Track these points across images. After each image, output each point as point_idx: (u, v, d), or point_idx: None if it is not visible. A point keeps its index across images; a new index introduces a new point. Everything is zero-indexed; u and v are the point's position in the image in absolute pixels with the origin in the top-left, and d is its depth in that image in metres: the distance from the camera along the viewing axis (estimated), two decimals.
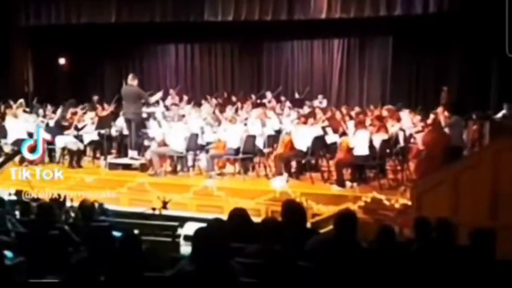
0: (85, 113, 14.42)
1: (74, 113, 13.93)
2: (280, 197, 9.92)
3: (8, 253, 5.10)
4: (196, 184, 11.05)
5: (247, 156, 11.52)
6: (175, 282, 3.98)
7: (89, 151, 13.52)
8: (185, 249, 6.78)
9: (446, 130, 10.51)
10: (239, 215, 5.37)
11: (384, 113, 13.33)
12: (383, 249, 4.92)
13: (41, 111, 14.74)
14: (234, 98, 18.06)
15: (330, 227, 7.09)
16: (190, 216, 9.15)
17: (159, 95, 13.39)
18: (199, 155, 12.24)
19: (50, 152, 13.21)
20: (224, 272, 3.98)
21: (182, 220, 8.25)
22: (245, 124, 12.57)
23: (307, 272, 4.42)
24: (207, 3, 15.65)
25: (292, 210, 5.64)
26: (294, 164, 11.57)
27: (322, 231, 6.98)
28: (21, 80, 19.11)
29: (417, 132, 11.57)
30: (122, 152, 13.41)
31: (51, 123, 13.37)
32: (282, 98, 18.11)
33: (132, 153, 12.48)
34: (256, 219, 5.80)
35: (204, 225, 6.55)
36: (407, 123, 12.59)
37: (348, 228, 4.88)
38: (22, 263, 5.12)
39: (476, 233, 4.86)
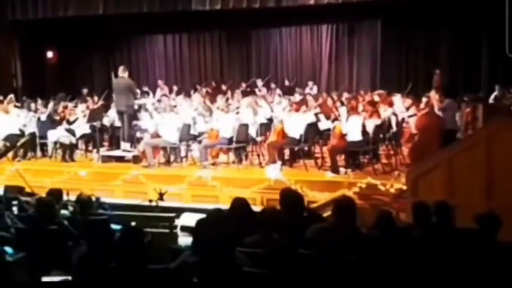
0: (75, 106, 14.37)
1: (65, 107, 13.86)
2: (275, 185, 9.92)
3: (8, 249, 5.09)
4: (190, 175, 11.01)
5: (240, 145, 11.51)
6: (180, 273, 3.99)
7: (81, 144, 13.45)
8: (183, 240, 6.78)
9: (440, 113, 10.53)
10: (241, 205, 5.37)
11: (376, 98, 13.35)
12: (383, 235, 4.93)
13: (32, 105, 14.64)
14: (223, 87, 18.03)
15: (327, 213, 7.17)
16: (186, 207, 9.16)
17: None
18: (191, 145, 12.21)
19: (42, 147, 13.17)
20: (228, 262, 3.98)
21: (179, 211, 8.25)
22: (237, 113, 12.55)
23: (309, 260, 4.43)
24: None
25: (291, 198, 5.66)
26: (287, 151, 11.57)
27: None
28: (9, 75, 18.95)
29: (410, 116, 11.58)
30: (114, 145, 13.37)
31: (43, 117, 13.29)
32: (272, 86, 18.11)
33: (125, 145, 12.43)
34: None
35: (201, 215, 6.59)
36: (400, 108, 12.61)
37: (347, 215, 4.90)
38: (22, 258, 5.11)
39: (482, 216, 4.87)
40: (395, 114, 11.80)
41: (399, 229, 5.22)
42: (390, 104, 12.54)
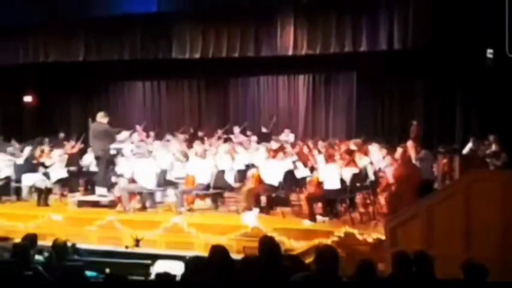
0: (51, 150, 14.23)
1: (43, 151, 13.75)
2: (252, 232, 9.88)
3: None
4: (165, 220, 10.88)
5: (217, 191, 11.47)
6: None
7: (55, 189, 13.27)
8: None
9: (417, 163, 10.64)
10: (220, 252, 5.30)
11: (352, 146, 13.44)
12: (364, 284, 4.90)
13: (9, 149, 14.45)
14: (200, 133, 18.06)
15: (307, 261, 7.13)
16: (161, 254, 9.07)
17: (126, 134, 13.32)
18: (166, 190, 12.12)
19: (17, 191, 12.99)
20: None
21: (154, 258, 8.17)
22: (215, 157, 12.54)
23: None
24: (175, 41, 15.62)
25: (271, 247, 5.60)
26: (263, 198, 11.53)
27: None
28: None
29: (387, 166, 11.66)
30: (89, 189, 13.23)
31: (20, 161, 13.14)
32: (248, 133, 18.17)
33: (100, 190, 12.30)
34: None
35: (176, 262, 6.52)
36: (377, 157, 12.70)
37: (330, 264, 4.86)
38: None
39: (468, 266, 4.88)
40: (371, 163, 11.88)
41: (380, 279, 5.19)
42: (366, 153, 12.64)
